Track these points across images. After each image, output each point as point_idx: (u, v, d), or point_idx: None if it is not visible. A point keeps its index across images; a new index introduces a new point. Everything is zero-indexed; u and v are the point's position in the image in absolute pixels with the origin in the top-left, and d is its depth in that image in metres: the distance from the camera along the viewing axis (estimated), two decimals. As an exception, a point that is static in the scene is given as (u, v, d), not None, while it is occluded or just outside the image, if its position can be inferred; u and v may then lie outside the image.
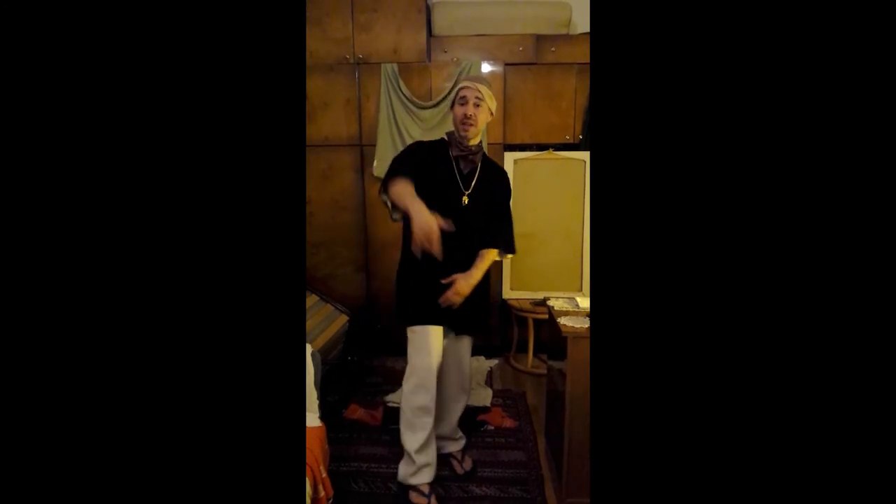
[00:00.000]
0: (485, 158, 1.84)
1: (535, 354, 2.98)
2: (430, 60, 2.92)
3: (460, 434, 2.07)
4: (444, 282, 1.72)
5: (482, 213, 1.79)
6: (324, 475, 1.59)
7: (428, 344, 1.79)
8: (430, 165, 1.74)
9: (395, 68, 2.85)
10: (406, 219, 1.71)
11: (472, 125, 1.70)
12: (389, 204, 1.76)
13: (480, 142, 1.80)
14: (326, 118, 2.95)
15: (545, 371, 2.62)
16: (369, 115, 2.93)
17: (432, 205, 1.58)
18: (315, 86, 2.89)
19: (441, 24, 2.95)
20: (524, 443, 2.24)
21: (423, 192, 1.62)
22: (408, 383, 1.83)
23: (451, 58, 2.92)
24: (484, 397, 2.59)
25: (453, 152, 1.77)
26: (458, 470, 2.01)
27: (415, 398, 1.81)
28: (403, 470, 1.88)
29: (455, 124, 1.75)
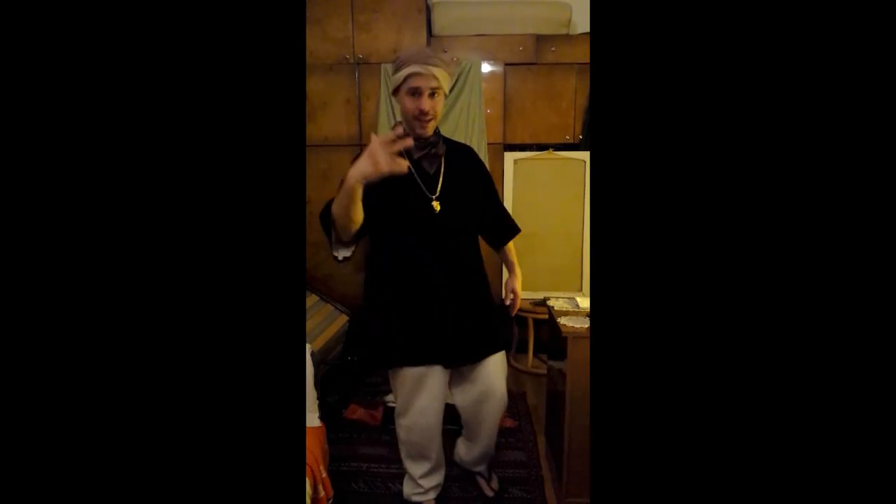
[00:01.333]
0: (449, 145, 1.51)
1: (535, 354, 2.98)
2: (430, 60, 2.92)
3: (492, 449, 1.83)
4: (506, 298, 1.60)
5: (459, 212, 1.49)
6: (324, 475, 1.59)
7: (416, 386, 1.51)
8: (385, 186, 1.28)
9: (395, 68, 2.86)
10: (369, 249, 1.52)
11: (430, 120, 1.39)
12: (332, 237, 1.48)
13: (437, 129, 1.47)
14: (326, 118, 2.95)
15: (545, 371, 2.62)
16: (369, 115, 2.93)
17: (400, 226, 1.43)
18: (315, 86, 2.90)
19: (441, 24, 2.95)
20: (524, 443, 2.24)
21: (383, 217, 1.41)
22: (400, 419, 1.61)
23: (451, 58, 2.92)
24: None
25: (410, 155, 1.42)
26: (487, 492, 1.85)
27: (411, 435, 1.61)
28: (408, 489, 1.77)
29: (407, 120, 1.41)
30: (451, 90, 2.85)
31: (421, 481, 1.71)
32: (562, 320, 1.80)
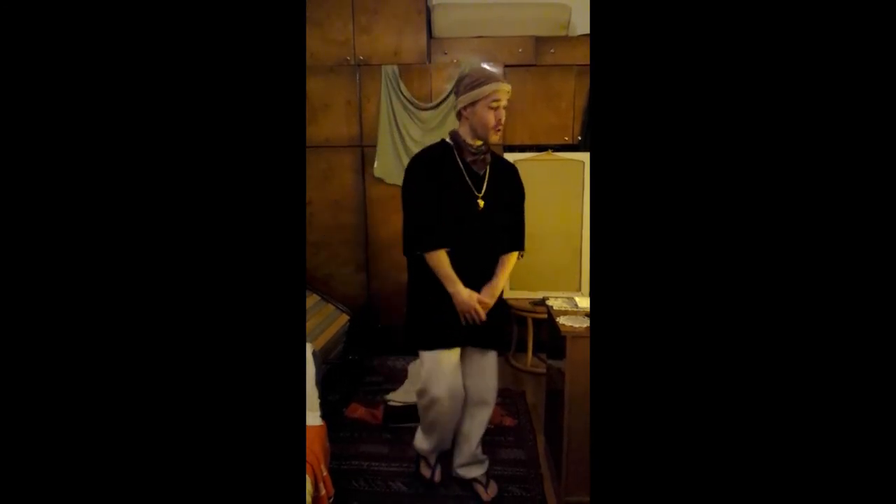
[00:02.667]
0: (493, 155, 1.73)
1: (534, 354, 3.00)
2: (430, 62, 2.94)
3: (483, 456, 1.92)
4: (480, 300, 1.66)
5: (499, 213, 1.69)
6: (325, 473, 1.60)
7: (442, 367, 1.71)
8: (439, 177, 1.63)
9: (396, 70, 2.87)
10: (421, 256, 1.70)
11: (501, 129, 1.62)
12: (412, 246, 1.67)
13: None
14: (327, 119, 2.96)
15: (544, 370, 2.63)
16: (370, 117, 2.95)
17: (448, 217, 1.62)
18: (316, 87, 2.91)
19: (441, 25, 2.96)
20: (523, 441, 2.25)
21: (439, 205, 1.61)
22: (422, 399, 1.79)
23: (451, 59, 2.94)
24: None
25: (465, 157, 1.64)
26: (484, 497, 1.87)
27: (429, 414, 1.80)
28: (418, 441, 1.94)
29: (482, 128, 1.60)
30: (450, 91, 2.87)
31: (429, 441, 1.90)
32: (561, 320, 1.81)
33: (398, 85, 2.87)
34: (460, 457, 1.90)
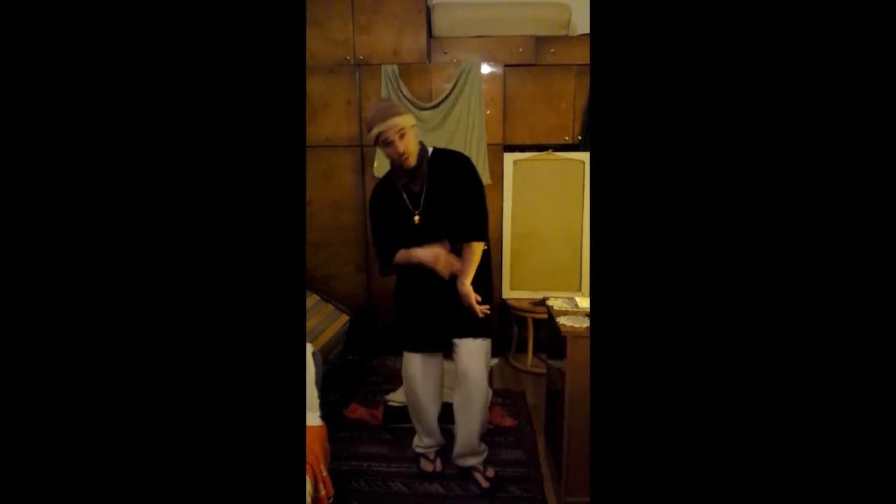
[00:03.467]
0: (431, 160, 1.80)
1: (534, 354, 2.99)
2: (430, 62, 2.93)
3: (483, 447, 1.98)
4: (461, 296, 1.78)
5: (437, 219, 1.79)
6: (324, 474, 1.60)
7: (411, 369, 1.95)
8: (386, 208, 1.85)
9: (396, 69, 2.87)
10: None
11: (409, 156, 1.72)
12: (387, 271, 1.91)
13: (422, 150, 1.78)
14: (327, 119, 2.96)
15: (544, 370, 2.63)
16: (370, 116, 2.94)
17: (391, 237, 1.82)
18: (316, 87, 2.91)
19: (441, 25, 2.96)
20: (524, 442, 2.25)
21: (384, 228, 1.85)
22: (405, 386, 2.01)
23: (451, 59, 2.93)
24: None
25: (400, 181, 1.80)
26: (483, 483, 1.94)
27: (406, 398, 2.04)
28: (416, 441, 2.10)
29: (393, 162, 1.78)
30: (451, 91, 2.87)
31: (424, 439, 2.06)
32: (561, 320, 1.81)
33: (398, 84, 2.87)
34: (457, 447, 1.97)
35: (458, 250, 1.82)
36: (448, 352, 1.91)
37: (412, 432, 2.18)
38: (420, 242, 1.79)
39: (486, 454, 1.99)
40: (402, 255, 1.82)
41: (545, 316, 2.44)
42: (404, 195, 1.81)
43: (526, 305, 2.90)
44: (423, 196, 1.80)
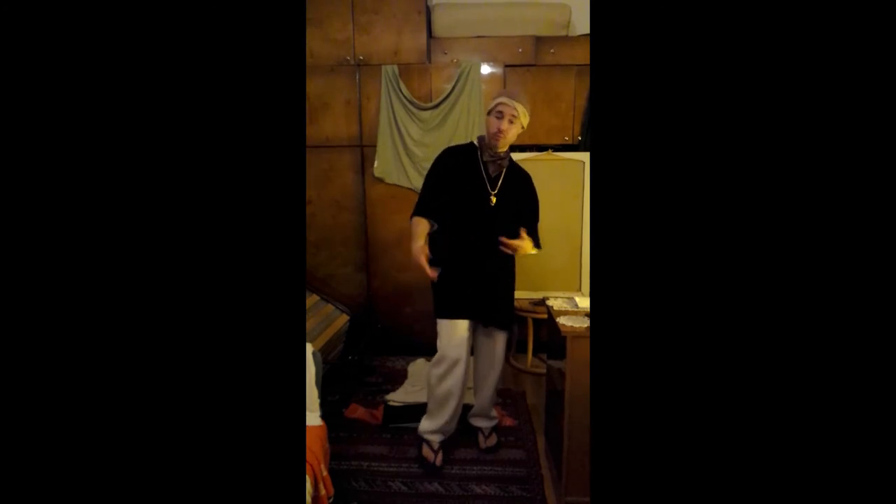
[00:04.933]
0: (511, 164, 2.00)
1: (534, 354, 2.99)
2: (430, 62, 2.93)
3: (494, 414, 2.23)
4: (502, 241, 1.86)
5: (508, 212, 1.94)
6: (324, 474, 1.60)
7: (454, 334, 1.98)
8: (459, 170, 1.96)
9: (396, 70, 2.87)
10: (436, 232, 2.00)
11: (502, 137, 1.87)
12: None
13: (508, 150, 1.96)
14: (327, 119, 2.96)
15: (544, 370, 2.63)
16: (370, 116, 2.95)
17: (463, 206, 1.93)
18: (316, 87, 2.91)
19: (441, 25, 2.96)
20: (524, 442, 2.25)
21: (453, 194, 1.93)
22: (436, 369, 2.02)
23: (450, 59, 2.93)
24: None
25: (483, 157, 1.94)
26: (482, 444, 2.18)
27: (442, 385, 2.01)
28: (423, 425, 2.11)
29: (487, 132, 1.92)
30: (451, 91, 2.87)
31: (437, 426, 2.07)
32: (561, 320, 1.81)
33: (398, 84, 2.87)
34: (474, 409, 2.21)
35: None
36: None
37: (412, 432, 2.19)
38: (492, 222, 1.92)
39: (495, 423, 2.24)
40: (416, 225, 1.93)
41: (545, 316, 2.44)
42: (483, 171, 1.94)
43: (526, 305, 2.90)
44: (500, 182, 1.95)
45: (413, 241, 1.88)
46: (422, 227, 1.92)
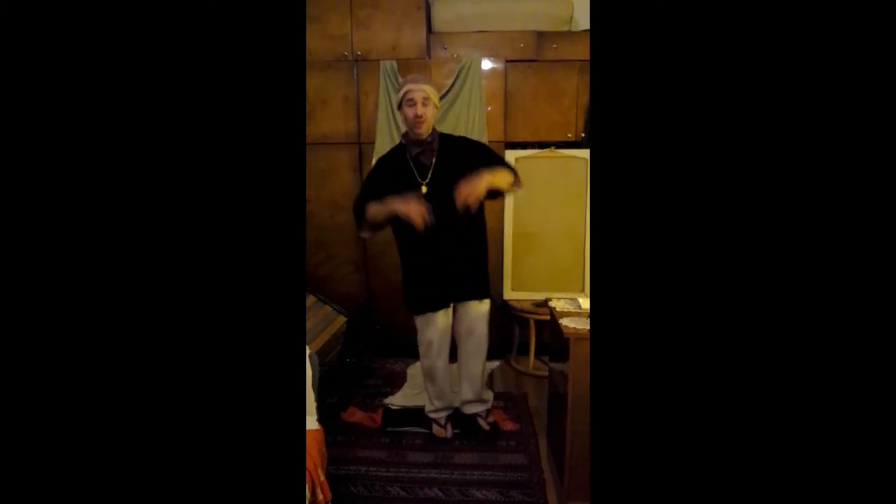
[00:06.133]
0: (441, 142, 2.02)
1: (536, 356, 2.95)
2: (429, 57, 2.89)
3: (488, 396, 2.33)
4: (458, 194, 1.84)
5: (447, 190, 1.88)
6: (322, 478, 1.57)
7: (427, 326, 2.14)
8: (388, 173, 2.04)
9: (395, 65, 2.82)
10: (394, 226, 2.03)
11: (423, 122, 1.93)
12: (361, 225, 2.07)
13: (433, 129, 2.01)
14: (325, 116, 2.92)
15: (546, 373, 2.59)
16: (368, 113, 2.90)
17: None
18: (313, 83, 2.86)
19: (441, 20, 2.92)
20: (525, 445, 2.22)
21: (379, 193, 1.95)
22: (420, 349, 2.22)
23: (451, 54, 2.89)
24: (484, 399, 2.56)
25: (411, 152, 2.01)
26: (484, 426, 2.26)
27: (422, 363, 2.23)
28: (427, 407, 2.29)
29: (407, 124, 1.99)
30: (451, 87, 2.82)
31: (434, 401, 2.25)
32: (563, 321, 1.77)
33: (397, 81, 2.82)
34: (463, 395, 2.26)
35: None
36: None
37: (411, 436, 2.19)
38: (430, 207, 1.90)
39: (489, 404, 2.32)
40: (373, 208, 1.95)
41: (547, 317, 2.40)
42: (413, 166, 2.01)
43: (527, 306, 2.86)
44: (431, 168, 2.00)
45: (391, 207, 1.89)
46: (374, 210, 1.96)
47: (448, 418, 2.24)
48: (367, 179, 2.12)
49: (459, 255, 2.03)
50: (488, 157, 2.02)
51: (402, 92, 1.93)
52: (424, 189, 1.97)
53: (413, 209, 1.84)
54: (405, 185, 1.97)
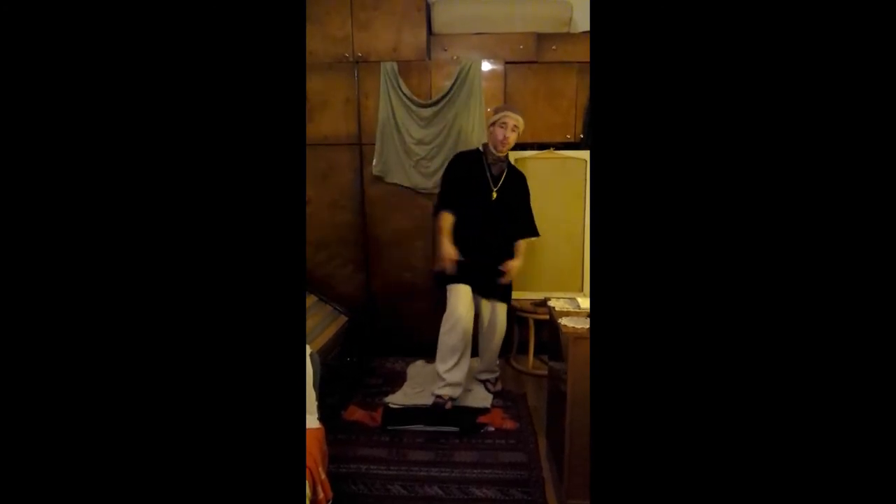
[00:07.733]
0: (510, 165, 2.50)
1: (535, 355, 2.96)
2: (429, 59, 2.90)
3: (497, 368, 2.73)
4: (502, 268, 2.44)
5: (508, 204, 2.44)
6: (323, 477, 1.58)
7: (461, 296, 2.42)
8: (468, 171, 2.44)
9: (395, 67, 2.84)
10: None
11: (507, 145, 2.36)
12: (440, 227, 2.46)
13: (507, 154, 2.43)
14: (326, 117, 2.93)
15: (546, 372, 2.60)
16: (369, 114, 2.91)
17: (471, 200, 2.41)
18: (314, 84, 2.88)
19: (441, 22, 2.93)
20: (525, 444, 2.23)
21: (462, 191, 2.41)
22: (444, 325, 2.43)
23: (451, 56, 2.90)
24: (484, 398, 2.57)
25: (487, 160, 2.43)
26: (491, 389, 2.66)
27: (449, 338, 2.40)
28: (434, 389, 2.45)
29: (493, 141, 2.37)
30: (451, 88, 2.84)
31: (445, 375, 2.41)
32: (562, 321, 1.78)
33: (397, 82, 2.84)
34: (480, 367, 2.70)
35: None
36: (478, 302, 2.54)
37: (412, 435, 2.18)
38: (495, 213, 2.43)
39: (498, 374, 2.74)
40: (442, 221, 2.41)
41: (547, 317, 2.41)
42: (488, 172, 2.43)
43: (527, 306, 2.88)
44: (501, 180, 2.44)
45: (442, 236, 2.39)
46: (448, 221, 2.39)
47: (450, 400, 2.42)
48: (448, 174, 2.48)
49: (498, 259, 2.45)
50: (527, 201, 2.54)
51: (499, 115, 2.33)
52: (495, 195, 2.42)
53: (448, 253, 2.36)
54: (479, 185, 2.41)
